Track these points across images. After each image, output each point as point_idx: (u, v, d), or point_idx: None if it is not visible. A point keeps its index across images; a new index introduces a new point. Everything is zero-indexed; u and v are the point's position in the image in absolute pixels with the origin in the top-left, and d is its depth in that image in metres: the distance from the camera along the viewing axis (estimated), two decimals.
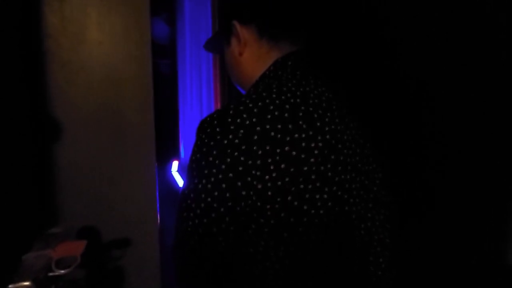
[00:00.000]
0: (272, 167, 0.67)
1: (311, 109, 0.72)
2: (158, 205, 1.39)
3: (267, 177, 0.66)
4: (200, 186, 0.69)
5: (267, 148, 0.66)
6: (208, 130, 0.69)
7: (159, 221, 1.40)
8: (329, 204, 0.71)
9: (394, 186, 0.91)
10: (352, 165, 0.76)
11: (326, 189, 0.71)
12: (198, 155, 0.70)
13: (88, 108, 1.30)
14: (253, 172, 0.66)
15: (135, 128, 1.35)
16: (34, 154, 1.24)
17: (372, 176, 0.81)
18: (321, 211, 0.71)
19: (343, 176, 0.74)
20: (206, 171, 0.68)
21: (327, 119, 0.73)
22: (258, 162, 0.66)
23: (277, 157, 0.67)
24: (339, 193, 0.73)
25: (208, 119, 0.71)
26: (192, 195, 0.70)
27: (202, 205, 0.69)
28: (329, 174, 0.71)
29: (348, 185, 0.75)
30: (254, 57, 0.80)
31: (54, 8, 1.25)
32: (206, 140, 0.69)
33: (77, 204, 1.31)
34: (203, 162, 0.69)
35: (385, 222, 0.83)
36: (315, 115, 0.72)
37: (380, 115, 1.18)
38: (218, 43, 0.88)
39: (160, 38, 2.52)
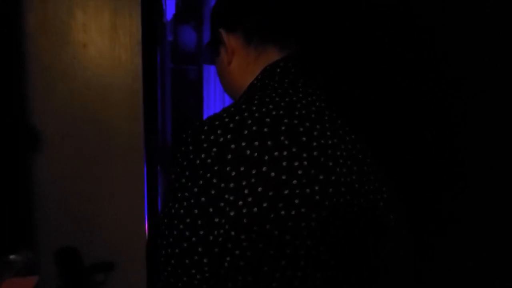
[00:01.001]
0: (246, 191, 0.59)
1: (296, 121, 0.63)
2: (146, 226, 1.24)
3: (240, 202, 0.58)
4: (173, 210, 0.63)
5: (242, 169, 0.59)
6: (182, 148, 0.63)
7: (146, 243, 1.25)
8: (318, 233, 0.61)
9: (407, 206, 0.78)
10: (347, 186, 0.65)
11: (314, 216, 0.61)
12: (173, 176, 0.64)
13: (70, 117, 1.18)
14: (226, 196, 0.59)
15: (122, 140, 1.21)
16: (10, 166, 1.13)
17: (374, 198, 0.69)
18: (308, 242, 0.61)
19: (335, 200, 0.63)
20: (179, 194, 0.62)
21: (315, 133, 0.64)
22: (231, 185, 0.59)
23: (253, 179, 0.59)
24: (330, 219, 0.63)
25: (184, 135, 0.64)
26: (165, 221, 0.64)
27: (175, 232, 0.62)
28: (317, 197, 0.61)
29: (342, 210, 0.64)
30: (242, 66, 0.74)
31: (35, 6, 1.14)
32: (180, 160, 0.63)
33: (57, 222, 1.19)
34: (177, 184, 0.63)
35: (394, 252, 0.72)
36: (301, 129, 0.63)
37: (385, 124, 1.05)
38: (211, 54, 0.82)
39: (188, 45, 2.61)
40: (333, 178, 0.63)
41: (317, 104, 0.67)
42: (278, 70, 0.70)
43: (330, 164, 0.63)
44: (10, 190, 1.14)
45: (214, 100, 3.51)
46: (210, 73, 3.62)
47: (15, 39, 1.12)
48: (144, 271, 1.26)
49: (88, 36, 1.18)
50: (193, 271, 0.61)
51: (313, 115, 0.65)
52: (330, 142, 0.65)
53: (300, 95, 0.67)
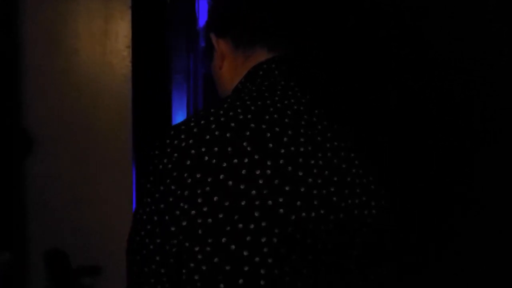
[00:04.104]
0: (200, 200, 0.56)
1: (264, 126, 0.59)
2: None
3: (193, 212, 0.56)
4: (138, 216, 0.62)
5: (198, 176, 0.56)
6: (151, 153, 0.62)
7: None
8: (282, 251, 0.56)
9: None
10: (321, 198, 0.58)
11: (277, 231, 0.56)
12: (142, 181, 0.64)
13: (62, 121, 1.20)
14: (181, 204, 0.56)
15: (110, 145, 1.22)
16: (2, 168, 1.17)
17: (360, 213, 0.61)
18: (270, 260, 0.56)
19: (304, 214, 0.57)
20: (144, 199, 0.62)
21: (285, 139, 0.59)
22: (186, 192, 0.56)
23: (208, 188, 0.56)
24: (298, 236, 0.57)
25: (156, 140, 0.63)
26: (132, 225, 0.63)
27: (137, 238, 0.62)
28: (281, 211, 0.56)
29: (313, 226, 0.58)
30: (231, 70, 0.72)
31: (30, 14, 1.18)
32: (148, 164, 0.62)
33: (47, 224, 1.21)
34: (144, 189, 0.62)
35: (382, 279, 0.65)
36: (268, 134, 0.59)
37: (384, 127, 0.99)
38: (206, 60, 0.81)
39: None
40: (302, 189, 0.58)
41: (295, 108, 0.63)
42: (261, 72, 0.67)
43: (300, 174, 0.58)
44: (1, 191, 1.17)
45: None
46: None
47: (10, 45, 1.16)
48: None
49: (79, 42, 1.21)
50: (152, 280, 0.60)
51: (286, 120, 0.61)
52: (302, 149, 0.59)
53: (276, 98, 0.63)
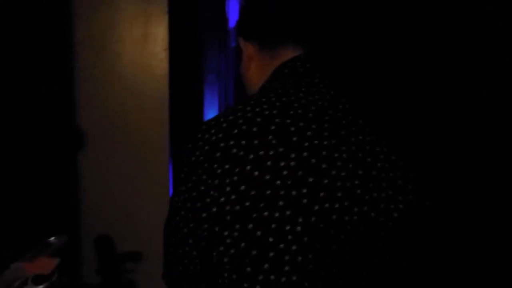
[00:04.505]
0: (228, 189, 0.59)
1: (288, 121, 0.61)
2: None
3: (222, 199, 0.59)
4: (173, 203, 0.67)
5: (226, 167, 0.60)
6: (184, 147, 0.66)
7: None
8: (305, 239, 0.59)
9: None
10: (345, 191, 0.60)
11: (300, 220, 0.58)
12: (177, 172, 0.69)
13: (108, 120, 1.32)
14: (211, 192, 0.60)
15: (149, 141, 1.32)
16: (59, 162, 1.31)
17: (386, 207, 0.62)
18: (294, 247, 0.58)
19: (327, 205, 0.59)
20: (178, 188, 0.66)
21: (309, 133, 0.61)
22: (216, 182, 0.60)
23: (235, 177, 0.59)
24: (321, 226, 0.59)
25: (190, 136, 0.68)
26: (168, 211, 0.68)
27: (173, 223, 0.67)
28: (304, 201, 0.59)
29: (336, 217, 0.60)
30: (258, 70, 0.75)
31: (80, 22, 1.30)
32: (182, 156, 0.66)
33: (96, 212, 1.34)
34: (178, 179, 0.67)
35: (413, 273, 0.64)
36: (292, 128, 0.61)
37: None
38: (237, 63, 0.85)
39: None
40: (326, 181, 0.60)
41: (319, 103, 0.64)
42: (286, 70, 0.70)
43: (324, 166, 0.60)
44: (59, 183, 1.32)
45: None
46: None
47: (65, 51, 1.29)
48: None
49: (122, 46, 1.31)
50: (186, 261, 0.66)
51: (310, 115, 0.63)
52: (326, 143, 0.61)
53: (301, 95, 0.65)
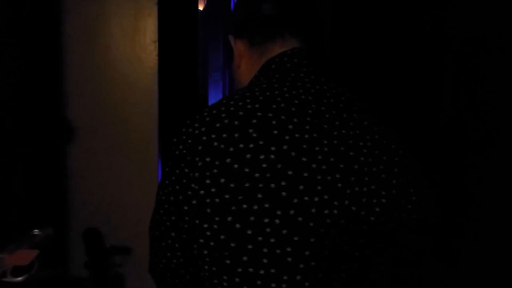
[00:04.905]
0: (208, 181, 0.60)
1: (270, 114, 0.62)
2: None
3: (202, 192, 0.61)
4: (157, 197, 0.68)
5: (207, 159, 0.61)
6: (171, 141, 0.68)
7: None
8: (284, 232, 0.59)
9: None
10: (325, 184, 0.60)
11: (279, 213, 0.59)
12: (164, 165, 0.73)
13: (97, 113, 1.31)
14: (192, 185, 0.62)
15: (138, 135, 1.31)
16: (48, 154, 1.30)
17: (368, 202, 0.61)
18: (272, 240, 0.59)
19: (306, 198, 0.59)
20: (163, 181, 0.67)
21: (290, 126, 0.61)
22: (196, 174, 0.61)
23: (215, 170, 0.60)
24: (300, 219, 0.59)
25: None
26: (154, 205, 0.70)
27: (157, 216, 0.68)
28: (283, 194, 0.59)
29: (316, 211, 0.59)
30: (248, 67, 0.76)
31: (71, 14, 1.29)
32: (169, 150, 0.68)
33: (85, 205, 1.33)
34: (163, 173, 0.69)
35: (398, 269, 0.63)
36: (274, 122, 0.61)
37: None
38: (228, 62, 0.88)
39: None
40: (305, 174, 0.60)
41: (302, 97, 0.65)
42: (273, 66, 0.70)
43: (304, 159, 0.60)
44: (47, 175, 1.31)
45: None
46: None
47: (53, 43, 1.29)
48: None
49: (112, 39, 1.30)
50: (168, 254, 0.67)
51: (293, 109, 0.63)
52: (307, 136, 0.61)
53: (285, 89, 0.65)
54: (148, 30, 1.29)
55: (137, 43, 1.29)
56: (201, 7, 3.20)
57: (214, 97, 2.93)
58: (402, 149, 0.66)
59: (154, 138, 1.30)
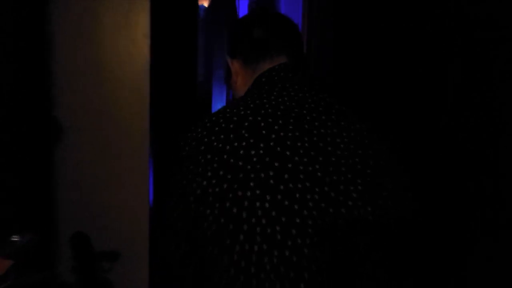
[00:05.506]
0: (209, 174, 0.72)
1: (259, 118, 0.75)
2: (149, 220, 1.25)
3: (204, 183, 0.72)
4: (169, 190, 0.78)
5: (208, 156, 0.73)
6: (179, 144, 0.79)
7: (149, 235, 1.26)
8: (273, 213, 0.70)
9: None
10: (306, 173, 0.72)
11: (268, 198, 0.70)
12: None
13: (86, 111, 1.25)
14: (197, 179, 0.73)
15: (129, 134, 1.24)
16: (34, 154, 1.24)
17: (346, 188, 0.73)
18: (263, 221, 0.70)
19: (290, 185, 0.71)
20: (174, 178, 0.77)
21: (276, 127, 0.74)
22: (200, 169, 0.73)
23: (215, 165, 0.72)
24: (286, 203, 0.71)
25: (180, 131, 0.85)
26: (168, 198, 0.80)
27: (168, 211, 0.78)
28: (271, 182, 0.71)
29: (299, 196, 0.71)
30: (244, 82, 0.88)
31: (58, 7, 1.23)
32: (176, 152, 0.79)
33: (73, 208, 1.27)
34: (173, 172, 0.79)
35: (375, 250, 0.74)
36: (262, 124, 0.75)
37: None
38: (227, 78, 1.06)
39: None
40: (289, 165, 0.72)
41: (287, 104, 0.78)
42: (263, 79, 0.83)
43: (287, 153, 0.72)
44: (34, 177, 1.25)
45: None
46: None
47: (41, 38, 1.23)
48: (147, 262, 1.27)
49: (104, 34, 1.24)
50: (176, 241, 0.76)
51: (278, 113, 0.76)
52: (290, 134, 0.74)
53: (272, 97, 0.79)
54: (140, 24, 1.23)
55: (128, 37, 1.23)
56: (206, 3, 3.14)
57: (217, 94, 2.88)
58: (378, 144, 0.79)
59: (146, 138, 1.24)
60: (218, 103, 2.90)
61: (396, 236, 0.77)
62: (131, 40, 1.23)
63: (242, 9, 3.44)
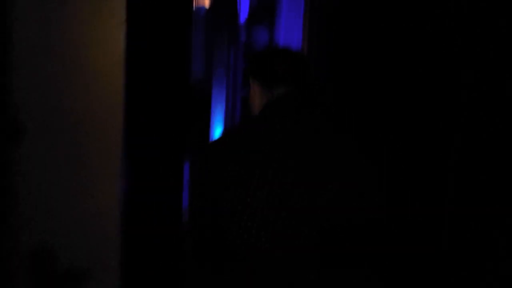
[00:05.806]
0: (226, 171, 1.06)
1: (262, 133, 1.08)
2: (121, 232, 1.08)
3: (224, 175, 1.06)
4: (193, 187, 1.24)
5: (224, 159, 1.07)
6: (200, 157, 1.20)
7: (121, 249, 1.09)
8: (269, 199, 1.04)
9: None
10: (294, 173, 1.05)
11: (267, 188, 1.04)
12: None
13: (50, 107, 1.09)
14: (217, 174, 1.08)
15: (100, 136, 1.08)
16: None
17: (322, 187, 1.06)
18: (262, 205, 1.04)
19: (283, 180, 1.05)
20: (196, 181, 1.17)
21: (275, 139, 1.07)
22: (216, 172, 1.08)
23: (229, 165, 1.06)
24: (279, 191, 1.04)
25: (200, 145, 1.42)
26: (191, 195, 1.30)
27: (191, 205, 1.24)
28: (269, 176, 1.04)
29: (290, 187, 1.04)
30: (259, 102, 1.14)
31: None
32: (199, 159, 1.22)
33: (33, 220, 1.10)
34: (196, 178, 1.19)
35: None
36: (263, 137, 1.07)
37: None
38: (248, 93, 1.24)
39: (260, 43, 3.23)
40: (283, 166, 1.05)
41: (285, 123, 1.08)
42: (272, 103, 1.10)
43: (282, 157, 1.05)
44: None
45: None
46: None
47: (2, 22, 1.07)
48: (118, 280, 1.10)
49: (72, 20, 1.08)
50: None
51: (278, 126, 1.07)
52: (284, 145, 1.06)
53: (276, 119, 1.08)
54: (116, 9, 1.07)
55: (101, 25, 1.07)
56: (206, 4, 3.02)
57: (217, 93, 2.74)
58: (353, 154, 1.10)
59: (118, 140, 1.07)
60: (218, 103, 2.77)
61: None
62: (104, 27, 1.08)
63: (242, 9, 3.33)
